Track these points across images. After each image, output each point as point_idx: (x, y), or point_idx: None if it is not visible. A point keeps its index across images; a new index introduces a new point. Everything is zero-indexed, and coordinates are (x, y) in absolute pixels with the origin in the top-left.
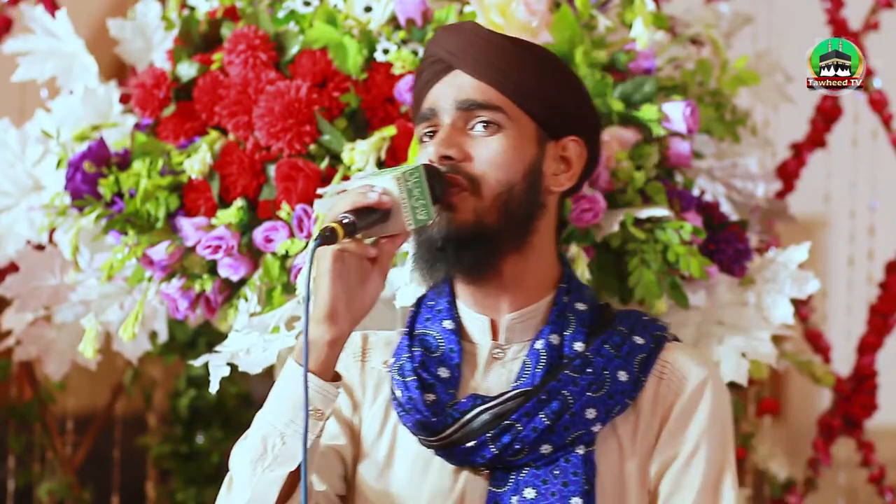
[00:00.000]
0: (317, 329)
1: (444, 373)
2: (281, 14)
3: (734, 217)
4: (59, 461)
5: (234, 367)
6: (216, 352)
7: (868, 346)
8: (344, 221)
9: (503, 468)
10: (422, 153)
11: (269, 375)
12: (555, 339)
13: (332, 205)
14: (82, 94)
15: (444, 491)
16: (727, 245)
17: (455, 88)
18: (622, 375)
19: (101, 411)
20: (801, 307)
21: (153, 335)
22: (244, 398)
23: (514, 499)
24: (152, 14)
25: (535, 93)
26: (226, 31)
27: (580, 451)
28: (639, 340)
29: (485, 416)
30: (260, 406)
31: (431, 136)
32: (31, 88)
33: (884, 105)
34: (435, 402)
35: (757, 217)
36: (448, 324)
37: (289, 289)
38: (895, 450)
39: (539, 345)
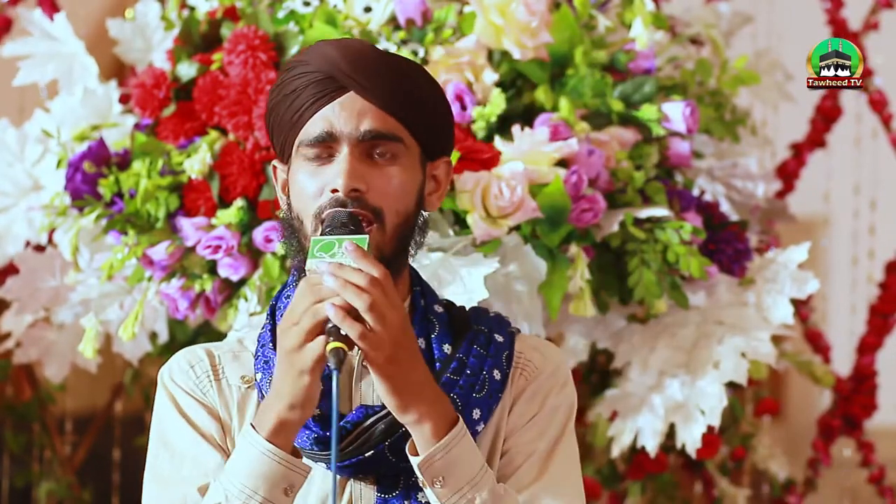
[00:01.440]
0: (292, 413)
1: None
2: (281, 14)
3: (734, 217)
4: (59, 461)
5: None
6: None
7: (868, 346)
8: (342, 334)
9: (391, 474)
10: (303, 171)
11: None
12: (422, 342)
13: (309, 302)
14: (82, 95)
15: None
16: (727, 245)
17: (355, 115)
18: (496, 374)
19: (100, 411)
20: (801, 307)
21: (153, 335)
22: None
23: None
24: (152, 14)
25: (424, 118)
26: (226, 31)
27: None
28: (499, 338)
29: (380, 426)
30: None
31: (321, 160)
32: (30, 88)
33: (884, 105)
34: (321, 417)
35: (757, 217)
36: None
37: None
38: (895, 450)
39: None
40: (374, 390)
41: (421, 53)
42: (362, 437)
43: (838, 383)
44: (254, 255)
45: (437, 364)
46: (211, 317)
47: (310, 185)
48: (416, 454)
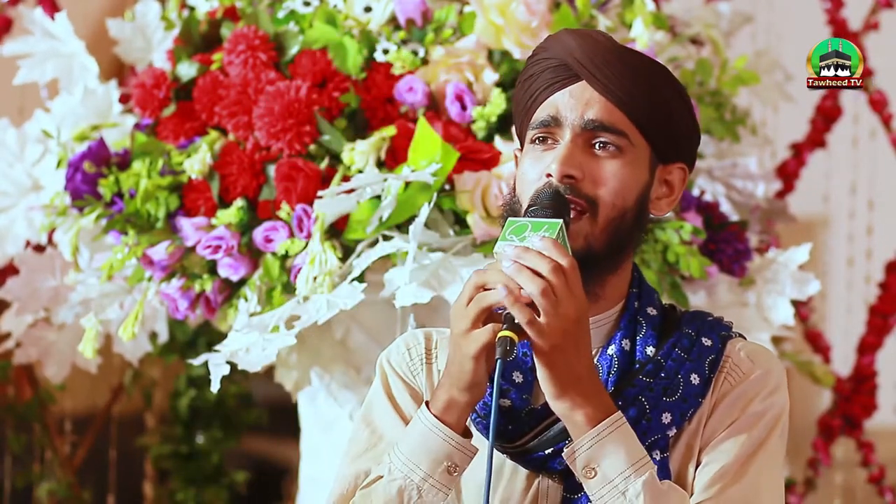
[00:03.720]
0: (459, 394)
1: (517, 377)
2: (281, 14)
3: (734, 217)
4: (59, 461)
5: (233, 367)
6: (216, 351)
7: (868, 346)
8: (514, 321)
9: (571, 475)
10: (529, 156)
11: (268, 375)
12: (626, 344)
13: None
14: (82, 95)
15: (517, 495)
16: (727, 245)
17: (582, 104)
18: (694, 378)
19: (100, 411)
20: (801, 307)
21: (153, 335)
22: (244, 398)
23: None
24: (152, 14)
25: (658, 119)
26: (226, 31)
27: (656, 455)
28: (706, 342)
29: (561, 425)
30: (261, 405)
31: (542, 142)
32: (30, 88)
33: (884, 105)
34: (510, 409)
35: (757, 217)
36: None
37: (288, 289)
38: (895, 450)
39: (611, 350)
40: (497, 388)
41: (421, 53)
42: (543, 436)
43: (838, 383)
44: (254, 255)
45: (636, 365)
46: (211, 317)
47: (531, 170)
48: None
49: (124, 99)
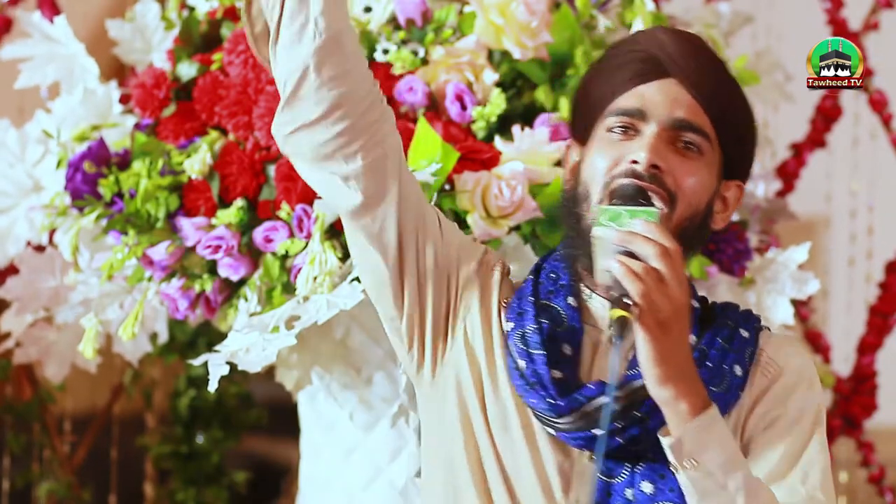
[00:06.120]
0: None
1: (567, 350)
2: None
3: (734, 217)
4: (59, 461)
5: (233, 367)
6: (216, 351)
7: (868, 346)
8: (626, 303)
9: (617, 457)
10: (602, 143)
11: (269, 375)
12: None
13: (610, 243)
14: (82, 95)
15: (550, 467)
16: (727, 245)
17: (670, 100)
18: (738, 370)
19: (100, 411)
20: (801, 307)
21: (153, 335)
22: (244, 398)
23: (630, 492)
24: (152, 14)
25: (733, 131)
26: (226, 31)
27: None
28: (744, 334)
29: (614, 407)
30: (260, 405)
31: (622, 132)
32: (30, 89)
33: (884, 105)
34: (561, 381)
35: (757, 217)
36: (572, 301)
37: (288, 289)
38: (895, 450)
39: None
40: (614, 367)
41: (421, 53)
42: (594, 415)
43: (838, 383)
44: (254, 255)
45: None
46: (211, 317)
47: (607, 155)
48: (668, 435)
49: (124, 99)
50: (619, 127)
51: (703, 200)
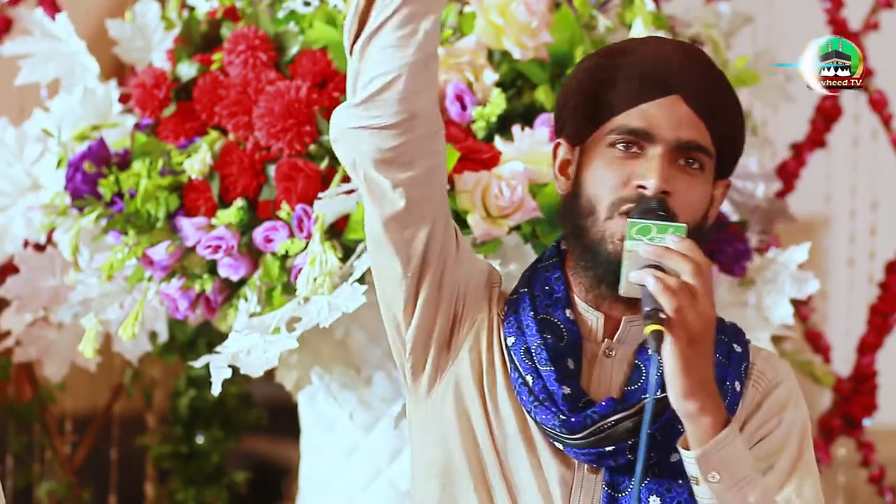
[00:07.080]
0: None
1: (571, 364)
2: (281, 14)
3: (734, 217)
4: (59, 461)
5: (235, 369)
6: (217, 352)
7: (868, 346)
8: (660, 317)
9: (624, 471)
10: (605, 159)
11: (269, 375)
12: None
13: (638, 262)
14: (82, 94)
15: (552, 477)
16: (727, 245)
17: (675, 121)
18: (737, 386)
19: (100, 411)
20: (801, 307)
21: (153, 335)
22: (244, 398)
23: None
24: (152, 14)
25: (731, 140)
26: (226, 31)
27: None
28: (738, 349)
29: (627, 424)
30: (260, 405)
31: (629, 153)
32: (30, 88)
33: (884, 105)
34: (570, 397)
35: (757, 217)
36: (569, 313)
37: (289, 289)
38: (895, 450)
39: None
40: (608, 378)
41: None
42: (605, 432)
43: (838, 383)
44: (254, 255)
45: None
46: (211, 317)
47: (613, 175)
48: (687, 448)
49: (124, 99)
50: (624, 146)
51: (700, 212)
